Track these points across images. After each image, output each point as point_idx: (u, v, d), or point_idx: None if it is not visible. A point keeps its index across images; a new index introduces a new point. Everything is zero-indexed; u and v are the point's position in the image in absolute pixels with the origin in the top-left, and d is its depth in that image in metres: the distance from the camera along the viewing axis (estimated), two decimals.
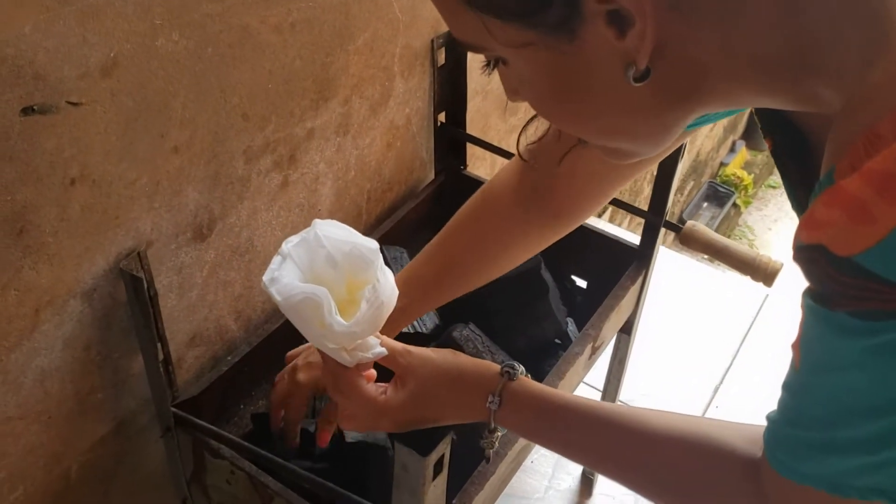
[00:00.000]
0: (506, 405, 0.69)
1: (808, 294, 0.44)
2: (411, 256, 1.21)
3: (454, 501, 0.86)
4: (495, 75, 0.55)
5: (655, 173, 1.13)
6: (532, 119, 0.69)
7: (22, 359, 0.77)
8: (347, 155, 1.12)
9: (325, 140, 1.06)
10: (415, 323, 1.11)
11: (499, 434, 0.71)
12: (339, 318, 0.63)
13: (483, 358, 1.03)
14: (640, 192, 3.43)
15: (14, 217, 0.70)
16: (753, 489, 0.56)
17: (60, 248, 0.75)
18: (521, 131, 0.73)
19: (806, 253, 0.41)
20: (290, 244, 0.65)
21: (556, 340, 1.13)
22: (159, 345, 0.86)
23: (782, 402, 0.50)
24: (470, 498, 0.87)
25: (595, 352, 1.13)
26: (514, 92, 0.55)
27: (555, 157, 0.76)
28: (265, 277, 0.64)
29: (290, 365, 0.89)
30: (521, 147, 0.77)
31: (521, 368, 0.71)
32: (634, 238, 1.25)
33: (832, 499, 0.48)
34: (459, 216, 0.90)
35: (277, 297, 0.63)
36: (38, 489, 0.85)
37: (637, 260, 1.19)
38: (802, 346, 0.47)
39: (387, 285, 0.65)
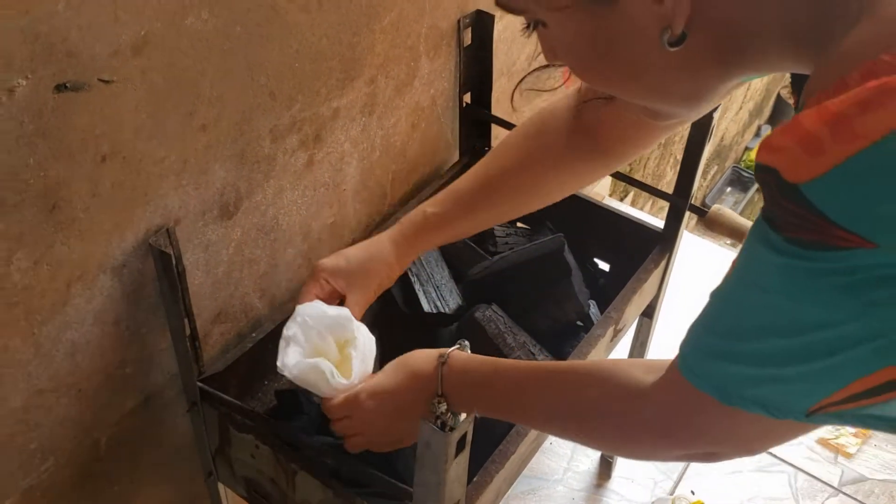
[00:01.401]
0: (450, 398, 0.73)
1: (761, 212, 0.45)
2: None
3: (475, 479, 0.87)
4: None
5: (681, 157, 1.12)
6: (532, 72, 0.70)
7: (54, 332, 0.78)
8: (372, 135, 1.13)
9: (351, 120, 1.07)
10: (437, 303, 1.12)
11: (460, 418, 0.74)
12: (340, 378, 0.80)
13: (504, 337, 1.04)
14: (663, 175, 3.40)
15: (47, 193, 0.71)
16: (640, 406, 0.61)
17: (91, 224, 0.77)
18: (519, 82, 0.75)
19: (761, 173, 0.43)
20: (289, 331, 0.82)
21: (579, 322, 1.14)
22: (186, 320, 0.87)
23: (704, 309, 0.53)
24: (490, 476, 0.88)
25: (617, 334, 1.13)
26: (552, 53, 0.56)
27: (600, 103, 0.78)
28: (278, 363, 0.80)
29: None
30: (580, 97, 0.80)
31: (462, 345, 0.76)
32: (658, 222, 1.24)
33: (717, 403, 0.51)
34: (509, 137, 0.89)
35: (291, 374, 0.80)
36: (68, 460, 0.87)
37: (661, 243, 1.18)
38: (738, 260, 0.49)
39: (364, 336, 0.85)
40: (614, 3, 0.48)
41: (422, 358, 0.78)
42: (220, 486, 1.05)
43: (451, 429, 0.66)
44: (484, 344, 1.04)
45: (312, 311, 0.83)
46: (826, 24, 0.46)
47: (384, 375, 0.81)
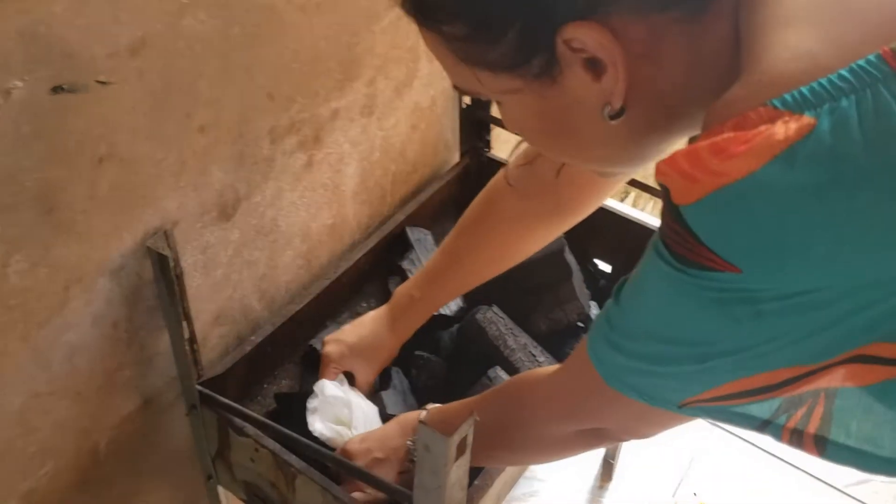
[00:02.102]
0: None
1: (659, 225, 0.50)
2: (435, 238, 1.21)
3: (476, 482, 0.86)
4: None
5: None
6: (517, 145, 0.79)
7: (52, 335, 0.78)
8: (372, 136, 1.12)
9: (350, 121, 1.06)
10: None
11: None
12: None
13: (506, 339, 1.04)
14: None
15: (44, 195, 0.71)
16: (540, 387, 0.72)
17: (89, 226, 0.76)
18: (512, 152, 0.84)
19: (661, 188, 0.47)
20: (313, 403, 0.95)
21: (579, 324, 1.13)
22: (185, 323, 0.87)
23: (610, 300, 0.58)
24: (492, 479, 0.88)
25: None
26: (510, 126, 0.61)
27: (553, 166, 0.84)
28: (309, 427, 0.93)
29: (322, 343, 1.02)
30: (512, 161, 0.89)
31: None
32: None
33: (604, 384, 0.59)
34: (465, 218, 0.99)
35: (320, 435, 0.93)
36: (67, 464, 0.87)
37: None
38: (640, 264, 0.54)
39: (366, 408, 0.99)
40: (556, 85, 0.52)
41: (410, 415, 0.90)
42: (220, 490, 1.05)
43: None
44: (485, 345, 1.04)
45: (328, 389, 0.97)
46: (735, 79, 0.50)
47: (376, 428, 0.93)
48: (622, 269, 1.21)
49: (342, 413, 0.96)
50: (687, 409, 0.55)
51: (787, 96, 0.42)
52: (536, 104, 0.54)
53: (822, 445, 0.52)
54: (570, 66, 0.50)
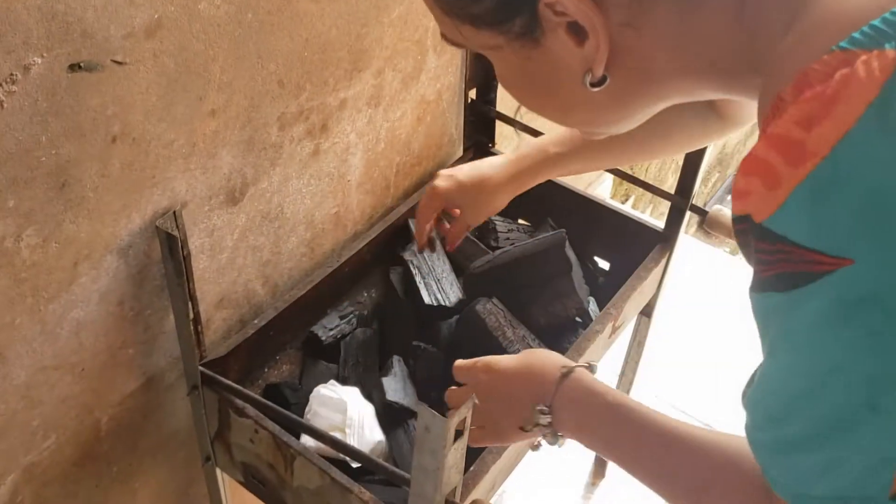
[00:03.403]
0: (556, 414, 0.69)
1: (750, 286, 0.43)
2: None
3: (472, 468, 0.87)
4: None
5: (682, 160, 1.13)
6: None
7: (59, 310, 0.79)
8: (378, 127, 1.14)
9: (357, 111, 1.07)
10: (438, 295, 1.13)
11: (558, 441, 0.71)
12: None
13: (504, 331, 1.05)
14: (664, 181, 3.41)
15: (58, 171, 0.72)
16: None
17: (100, 204, 0.77)
18: None
19: (738, 225, 0.42)
20: (307, 416, 0.99)
21: (577, 318, 1.14)
22: (190, 303, 0.88)
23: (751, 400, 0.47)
24: (487, 466, 0.89)
25: (615, 331, 1.14)
26: (499, 80, 0.59)
27: None
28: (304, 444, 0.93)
29: (433, 177, 1.00)
30: None
31: (590, 365, 0.72)
32: (659, 223, 1.25)
33: None
34: None
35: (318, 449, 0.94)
36: (69, 438, 0.88)
37: (661, 242, 1.19)
38: (764, 345, 0.44)
39: (361, 408, 1.01)
40: (539, 46, 0.50)
41: (548, 360, 0.73)
42: (218, 472, 1.06)
43: (540, 446, 0.68)
44: (483, 336, 1.05)
45: (322, 392, 1.02)
46: (754, 49, 0.46)
47: (508, 358, 0.77)
48: (621, 267, 1.23)
49: (335, 420, 0.98)
50: None
51: (856, 34, 0.37)
52: (518, 63, 0.53)
53: None
54: (552, 29, 0.49)
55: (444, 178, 1.01)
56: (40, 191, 0.71)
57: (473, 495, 0.87)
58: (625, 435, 0.67)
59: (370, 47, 1.04)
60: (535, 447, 0.76)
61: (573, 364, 0.71)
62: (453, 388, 0.79)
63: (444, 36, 0.56)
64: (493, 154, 1.33)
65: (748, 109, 0.84)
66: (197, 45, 0.79)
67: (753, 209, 0.40)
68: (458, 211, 1.04)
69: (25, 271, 0.74)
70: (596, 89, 0.51)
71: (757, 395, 0.45)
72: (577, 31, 0.48)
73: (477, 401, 0.65)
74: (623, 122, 0.57)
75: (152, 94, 0.77)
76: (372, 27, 1.02)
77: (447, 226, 1.08)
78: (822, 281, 0.37)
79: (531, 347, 1.05)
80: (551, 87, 0.54)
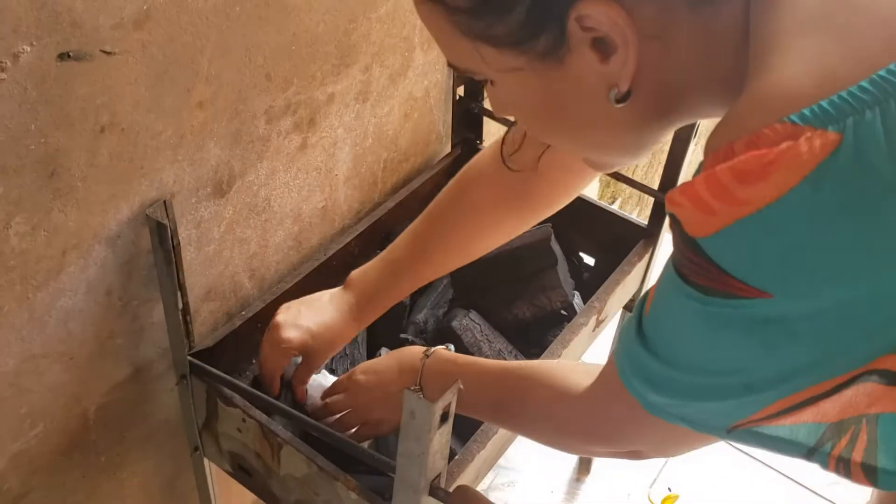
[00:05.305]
0: (426, 389, 0.82)
1: (670, 257, 0.48)
2: None
3: (457, 456, 0.89)
4: None
5: (666, 154, 1.15)
6: (510, 128, 0.78)
7: (48, 299, 0.80)
8: (366, 122, 1.15)
9: (345, 106, 1.09)
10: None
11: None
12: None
13: (481, 346, 1.07)
14: (651, 184, 3.43)
15: (47, 159, 0.73)
16: (574, 408, 0.71)
17: (88, 193, 0.78)
18: (503, 139, 0.82)
19: (671, 220, 0.46)
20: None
21: (563, 312, 1.16)
22: (179, 293, 0.89)
23: (642, 318, 0.54)
24: (472, 455, 0.90)
25: (599, 325, 1.16)
26: (502, 108, 0.59)
27: (532, 154, 0.82)
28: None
29: (271, 323, 0.96)
30: (504, 152, 0.84)
31: (447, 347, 0.87)
32: (643, 221, 1.27)
33: (644, 413, 0.55)
34: (434, 205, 0.96)
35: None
36: (57, 427, 0.89)
37: (645, 238, 1.21)
38: (657, 294, 0.52)
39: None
40: (562, 65, 0.50)
41: (412, 350, 0.89)
42: (206, 462, 1.06)
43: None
44: (460, 352, 1.06)
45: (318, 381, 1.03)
46: (742, 72, 0.48)
47: (379, 359, 0.93)
48: (605, 262, 1.24)
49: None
50: (736, 433, 0.51)
51: (807, 111, 0.40)
52: (537, 84, 0.52)
53: (872, 474, 0.48)
54: (577, 46, 0.48)
55: (294, 330, 0.94)
56: (29, 179, 0.72)
57: (459, 482, 0.89)
58: (470, 387, 0.76)
59: (358, 43, 1.05)
60: None
61: (434, 348, 0.85)
62: (334, 396, 0.94)
63: (451, 64, 0.56)
64: (479, 150, 1.34)
65: (562, 190, 0.91)
66: (185, 37, 0.80)
67: (683, 220, 0.44)
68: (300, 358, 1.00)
69: (14, 259, 0.74)
70: (620, 105, 0.51)
71: (653, 346, 0.52)
72: (603, 47, 0.48)
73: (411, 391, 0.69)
74: (637, 148, 0.59)
75: (141, 84, 0.78)
76: (359, 23, 1.04)
77: (292, 371, 1.01)
78: (740, 301, 0.43)
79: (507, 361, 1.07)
80: (571, 108, 0.54)
